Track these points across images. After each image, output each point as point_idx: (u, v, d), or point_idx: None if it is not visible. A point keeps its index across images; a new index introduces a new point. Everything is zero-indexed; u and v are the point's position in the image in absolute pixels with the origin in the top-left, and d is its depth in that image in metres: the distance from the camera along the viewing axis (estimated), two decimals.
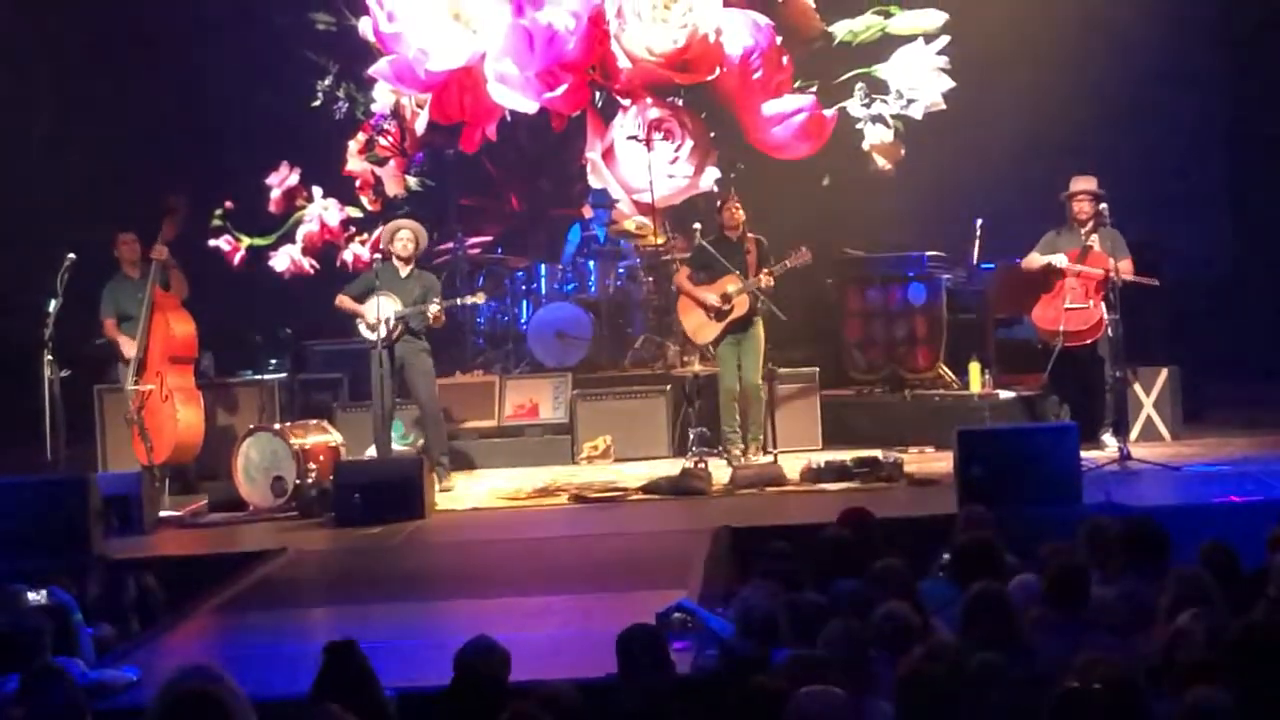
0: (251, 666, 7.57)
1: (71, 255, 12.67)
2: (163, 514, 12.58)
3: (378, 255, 13.86)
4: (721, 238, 13.57)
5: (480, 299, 14.00)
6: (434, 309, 13.08)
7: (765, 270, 13.25)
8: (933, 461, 13.15)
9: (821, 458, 13.06)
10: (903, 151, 15.24)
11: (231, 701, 5.17)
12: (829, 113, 15.22)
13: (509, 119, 15.72)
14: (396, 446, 13.39)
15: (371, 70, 15.42)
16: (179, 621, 9.34)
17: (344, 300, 13.33)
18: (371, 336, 13.11)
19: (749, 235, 13.54)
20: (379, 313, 12.97)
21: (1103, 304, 12.90)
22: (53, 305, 12.56)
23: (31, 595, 8.11)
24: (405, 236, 13.40)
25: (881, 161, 15.30)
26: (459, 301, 13.67)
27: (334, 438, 13.19)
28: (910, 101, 15.11)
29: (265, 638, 8.93)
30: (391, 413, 13.22)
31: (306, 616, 9.57)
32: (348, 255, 15.28)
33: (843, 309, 15.35)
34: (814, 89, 15.30)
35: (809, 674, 5.78)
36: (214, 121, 16.30)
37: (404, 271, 13.34)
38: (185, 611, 9.53)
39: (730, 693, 5.83)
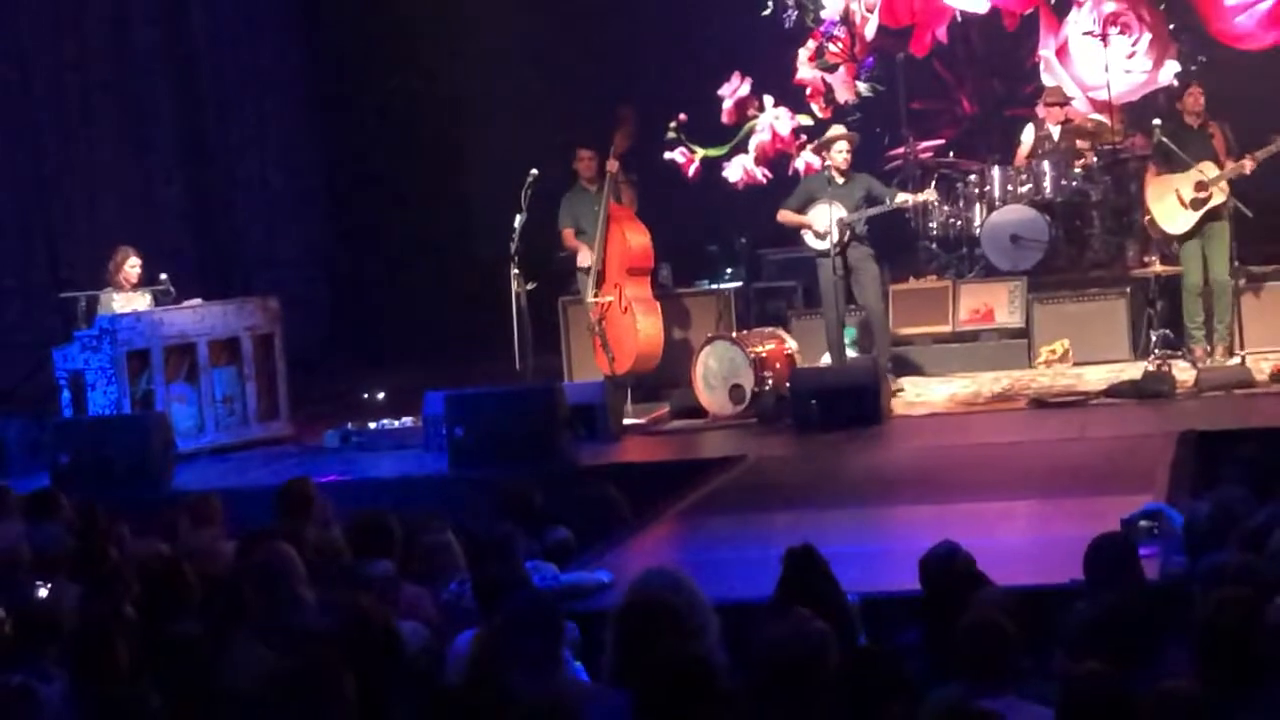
0: (714, 571, 7.72)
1: (534, 171, 13.07)
2: (626, 422, 12.92)
3: (829, 163, 13.89)
4: (1182, 126, 13.15)
5: (932, 195, 13.94)
6: (900, 197, 13.31)
7: (1249, 154, 12.80)
8: None
9: None
10: None
11: (687, 608, 5.28)
12: None
13: (960, 20, 15.51)
14: (849, 353, 13.48)
15: None
16: (645, 526, 9.57)
17: (786, 214, 13.45)
18: (820, 245, 13.20)
19: (1211, 121, 13.08)
20: (827, 220, 13.06)
21: None
22: (518, 220, 13.01)
23: None
24: (843, 147, 13.45)
25: None
26: (910, 199, 13.66)
27: (790, 345, 13.33)
28: None
29: (728, 542, 9.11)
30: (844, 319, 13.35)
31: (767, 522, 9.70)
32: (799, 164, 15.33)
33: None
34: None
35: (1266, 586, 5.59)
36: (666, 35, 16.52)
37: (841, 180, 13.38)
38: (650, 517, 9.77)
39: (1197, 601, 5.69)
